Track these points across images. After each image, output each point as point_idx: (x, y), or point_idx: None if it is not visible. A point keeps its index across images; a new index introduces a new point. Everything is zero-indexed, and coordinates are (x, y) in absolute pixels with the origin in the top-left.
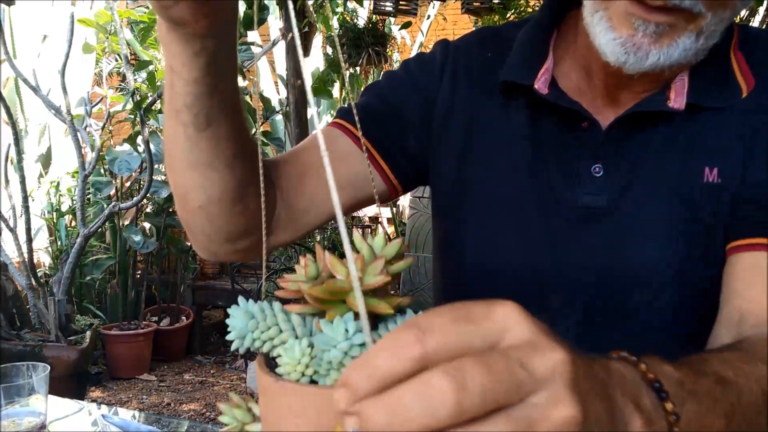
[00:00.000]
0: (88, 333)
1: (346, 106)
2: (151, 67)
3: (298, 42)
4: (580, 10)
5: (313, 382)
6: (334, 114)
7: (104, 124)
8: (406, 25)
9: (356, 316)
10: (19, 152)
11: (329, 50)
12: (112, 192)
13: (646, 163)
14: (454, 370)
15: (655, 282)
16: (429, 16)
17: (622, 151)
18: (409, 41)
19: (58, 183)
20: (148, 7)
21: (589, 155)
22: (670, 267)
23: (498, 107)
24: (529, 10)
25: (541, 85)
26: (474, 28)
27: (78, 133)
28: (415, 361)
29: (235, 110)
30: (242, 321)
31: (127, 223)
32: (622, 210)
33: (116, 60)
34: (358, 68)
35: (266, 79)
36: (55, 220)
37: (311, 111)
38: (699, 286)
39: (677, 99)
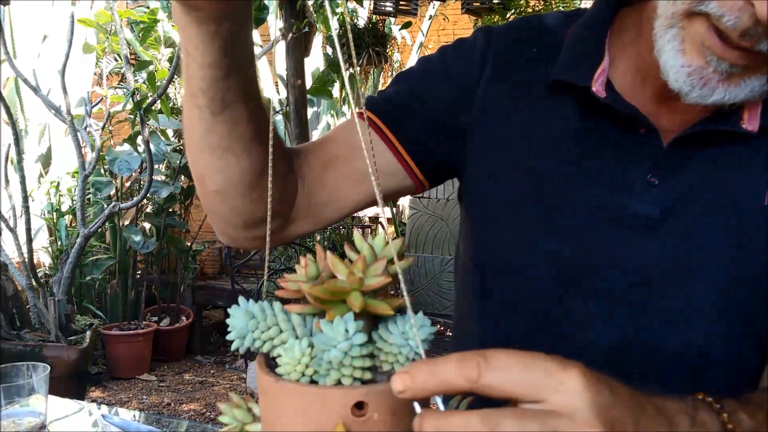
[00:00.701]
0: (88, 333)
1: (375, 95)
2: (151, 67)
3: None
4: (641, 7)
5: (313, 382)
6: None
7: (104, 124)
8: (406, 25)
9: (356, 316)
10: (19, 152)
11: (329, 50)
12: (112, 192)
13: (704, 179)
14: (492, 423)
15: (699, 299)
16: (429, 16)
17: (683, 163)
18: (410, 41)
19: (58, 183)
20: (148, 7)
21: (646, 163)
22: (714, 285)
23: (543, 106)
24: (529, 10)
25: (598, 87)
26: (473, 28)
27: (78, 133)
28: (469, 382)
29: (252, 95)
30: (242, 321)
31: (127, 223)
32: (672, 223)
33: (116, 60)
34: (358, 68)
35: (266, 79)
36: (55, 220)
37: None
38: (742, 308)
39: (751, 121)
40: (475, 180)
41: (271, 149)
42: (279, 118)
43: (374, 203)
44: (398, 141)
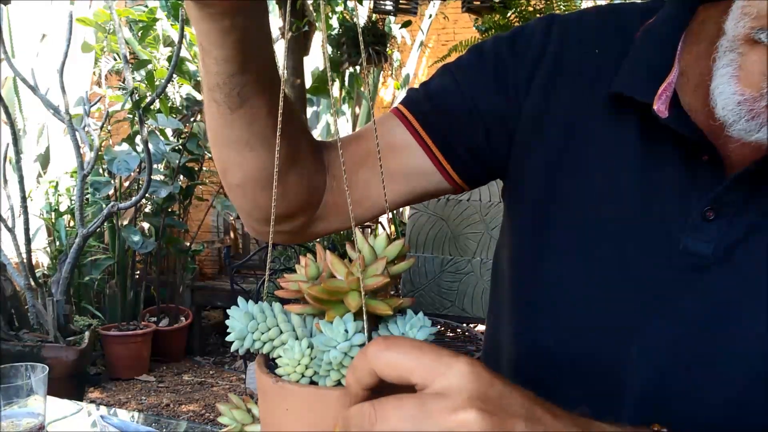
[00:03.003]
0: (87, 333)
1: (417, 87)
2: (149, 66)
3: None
4: (723, 6)
5: (312, 383)
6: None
7: (103, 124)
8: (406, 24)
9: (356, 316)
10: (18, 152)
11: (329, 49)
12: (111, 192)
13: (766, 218)
14: (378, 404)
15: (744, 346)
16: (429, 15)
17: (745, 199)
18: (410, 40)
19: (57, 183)
20: (146, 6)
21: (704, 195)
22: (763, 333)
23: (604, 115)
24: (530, 9)
25: (661, 105)
26: (473, 27)
27: (77, 133)
28: (368, 365)
29: (271, 88)
30: (242, 322)
31: (125, 223)
32: (726, 264)
33: (115, 59)
34: (358, 67)
35: None
36: (53, 220)
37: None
38: None
39: None
40: (519, 190)
41: (278, 147)
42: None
43: (410, 202)
44: (435, 145)
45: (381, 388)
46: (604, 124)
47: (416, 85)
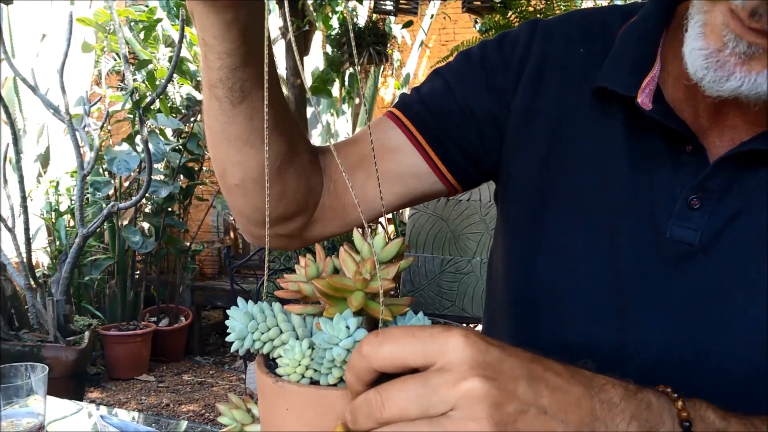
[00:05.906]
0: (87, 333)
1: (409, 92)
2: (150, 66)
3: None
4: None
5: (312, 382)
6: (336, 110)
7: (103, 124)
8: (407, 24)
9: (355, 313)
10: (18, 152)
11: (329, 49)
12: (111, 192)
13: (753, 204)
14: (382, 390)
15: (737, 334)
16: (430, 15)
17: (729, 185)
18: (410, 40)
19: (57, 183)
20: (146, 6)
21: (689, 184)
22: (756, 321)
23: (590, 112)
24: (530, 9)
25: (644, 98)
26: (473, 27)
27: (77, 133)
28: (367, 358)
29: (271, 83)
30: (242, 322)
31: (125, 223)
32: (714, 251)
33: (115, 59)
34: (358, 67)
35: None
36: (53, 220)
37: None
38: None
39: None
40: (511, 188)
41: (266, 140)
42: None
43: (406, 205)
44: (430, 146)
45: (382, 380)
46: (590, 119)
47: (414, 86)
